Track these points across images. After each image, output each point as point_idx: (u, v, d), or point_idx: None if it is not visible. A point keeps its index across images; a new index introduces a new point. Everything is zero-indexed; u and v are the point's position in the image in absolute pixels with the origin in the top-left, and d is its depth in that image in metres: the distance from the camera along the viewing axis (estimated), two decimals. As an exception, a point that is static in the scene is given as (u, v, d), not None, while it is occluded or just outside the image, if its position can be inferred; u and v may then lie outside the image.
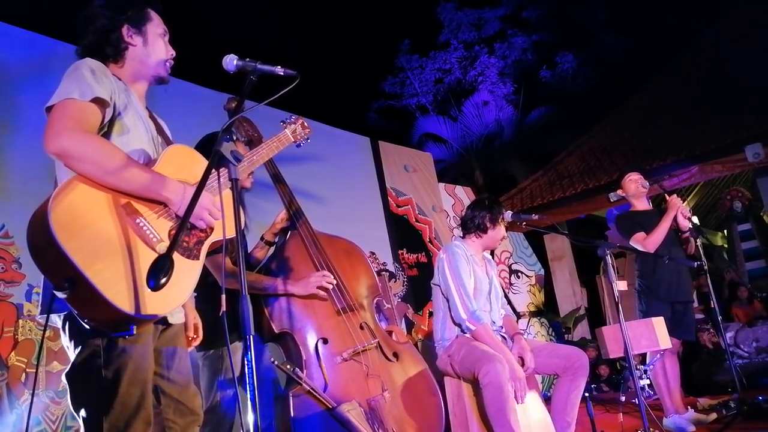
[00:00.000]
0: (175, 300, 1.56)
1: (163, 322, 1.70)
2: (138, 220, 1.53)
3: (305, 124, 2.29)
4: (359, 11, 15.44)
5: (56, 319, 1.62)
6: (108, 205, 1.49)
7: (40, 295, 1.59)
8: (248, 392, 1.40)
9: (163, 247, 1.54)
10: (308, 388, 2.43)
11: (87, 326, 1.49)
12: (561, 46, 15.64)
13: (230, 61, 1.75)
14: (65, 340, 1.59)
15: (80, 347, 1.54)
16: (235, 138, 2.88)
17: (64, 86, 1.61)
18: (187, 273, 1.59)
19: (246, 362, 1.44)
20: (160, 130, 1.88)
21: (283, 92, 1.74)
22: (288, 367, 2.44)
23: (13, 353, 2.93)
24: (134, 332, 1.49)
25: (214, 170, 1.60)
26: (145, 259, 1.46)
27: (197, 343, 2.02)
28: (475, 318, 3.08)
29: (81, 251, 1.37)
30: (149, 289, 1.34)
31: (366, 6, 15.51)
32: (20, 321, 3.01)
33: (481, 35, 16.03)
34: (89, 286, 1.36)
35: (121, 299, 1.39)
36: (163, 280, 1.32)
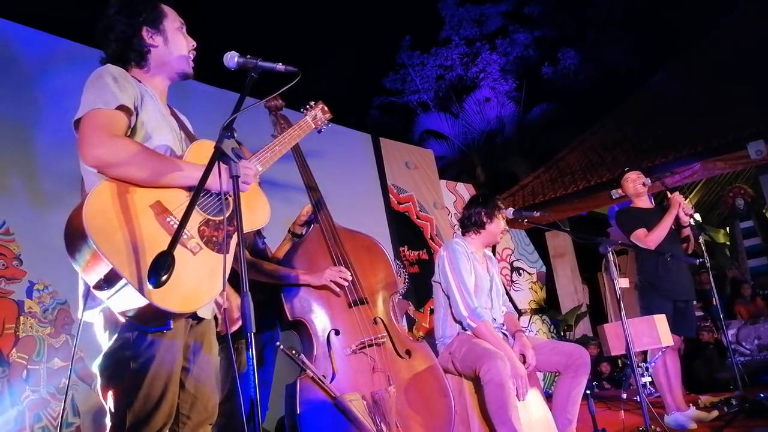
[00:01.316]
0: (210, 293, 1.59)
1: (194, 317, 1.72)
2: (168, 219, 1.56)
3: (326, 108, 2.27)
4: (360, 7, 15.41)
5: (88, 317, 1.65)
6: (139, 207, 1.53)
7: (80, 296, 1.64)
8: (250, 388, 1.40)
9: (194, 243, 1.58)
10: (311, 375, 2.47)
11: (127, 322, 1.52)
12: (563, 43, 15.60)
13: (231, 58, 1.75)
14: (100, 332, 1.63)
15: (112, 339, 1.58)
16: (272, 134, 2.95)
17: (89, 97, 1.63)
18: (219, 266, 1.61)
19: (247, 359, 1.44)
20: (182, 127, 1.90)
21: (284, 89, 1.75)
22: (294, 352, 2.47)
23: (14, 350, 2.93)
24: (171, 326, 1.55)
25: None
26: (178, 256, 1.51)
27: (238, 325, 2.02)
28: (476, 315, 3.08)
29: (117, 252, 1.42)
30: (151, 287, 1.35)
31: (367, 2, 15.48)
32: (21, 318, 3.01)
33: (483, 31, 15.99)
34: (128, 285, 1.42)
35: (158, 296, 1.43)
36: (164, 278, 1.33)
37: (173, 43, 1.82)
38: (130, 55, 1.78)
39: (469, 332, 3.12)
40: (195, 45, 1.89)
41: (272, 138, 2.94)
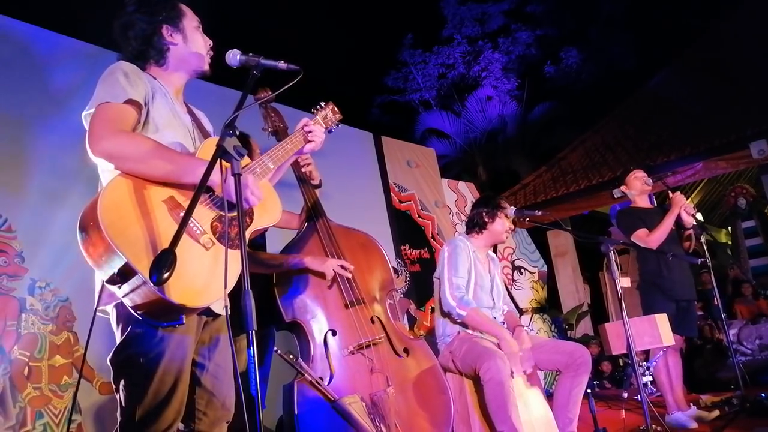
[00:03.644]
0: (221, 289, 1.58)
1: (208, 313, 1.72)
2: (182, 214, 1.56)
3: (335, 109, 2.27)
4: (362, 5, 15.39)
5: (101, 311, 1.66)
6: (153, 202, 1.55)
7: (95, 293, 1.65)
8: (251, 386, 1.40)
9: (206, 239, 1.59)
10: (310, 378, 2.45)
11: (139, 317, 1.53)
12: (565, 42, 15.58)
13: (233, 56, 1.76)
14: (114, 326, 1.65)
15: (124, 334, 1.60)
16: (262, 128, 2.92)
17: (99, 92, 1.66)
18: (231, 263, 1.61)
19: (248, 357, 1.44)
20: (198, 124, 1.91)
21: (286, 87, 1.75)
22: (291, 356, 2.46)
23: (15, 347, 2.94)
24: (183, 322, 1.56)
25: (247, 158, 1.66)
26: (191, 251, 1.54)
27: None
28: (464, 303, 3.08)
29: (131, 246, 1.44)
30: (152, 283, 1.35)
31: (369, 0, 15.46)
32: (23, 315, 3.01)
33: (485, 30, 15.99)
34: (141, 279, 1.43)
35: (171, 291, 1.44)
36: (166, 275, 1.33)
37: (192, 41, 1.85)
38: (150, 52, 1.80)
39: (458, 323, 3.12)
40: (212, 44, 1.91)
41: (262, 131, 2.92)
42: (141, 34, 1.79)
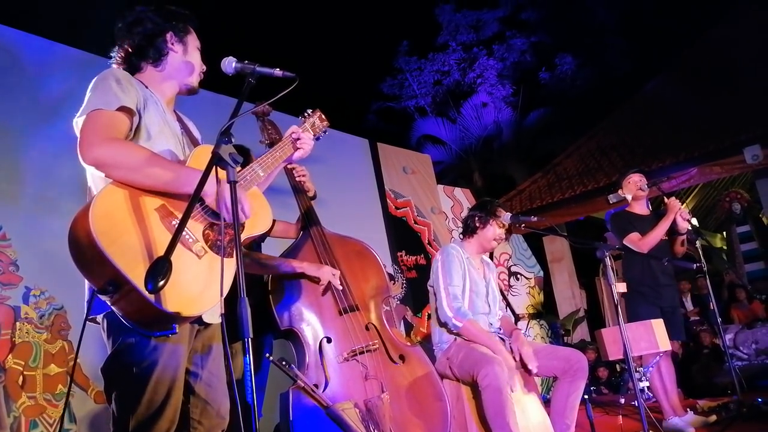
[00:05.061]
0: (215, 297, 1.58)
1: (200, 322, 1.72)
2: (173, 222, 1.56)
3: (323, 116, 2.28)
4: (357, 12, 15.45)
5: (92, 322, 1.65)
6: (144, 210, 1.54)
7: (86, 301, 1.64)
8: (247, 394, 1.39)
9: (199, 247, 1.59)
10: (303, 385, 2.45)
11: (131, 326, 1.52)
12: (560, 48, 15.66)
13: (229, 64, 1.77)
14: (104, 336, 1.64)
15: (116, 344, 1.59)
16: (259, 141, 2.92)
17: (91, 98, 1.66)
18: (225, 271, 1.59)
19: (245, 365, 1.43)
20: (187, 132, 1.93)
21: (281, 94, 1.75)
22: (284, 363, 2.45)
23: (10, 356, 2.92)
24: (176, 331, 1.55)
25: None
26: (183, 260, 1.53)
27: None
28: (460, 314, 3.07)
29: (123, 255, 1.43)
30: (148, 292, 1.35)
31: (364, 7, 15.52)
32: (17, 324, 3.00)
33: (480, 37, 16.07)
34: (133, 289, 1.42)
35: (164, 299, 1.44)
36: (161, 283, 1.33)
37: (190, 57, 1.89)
38: (149, 51, 1.82)
39: (454, 333, 3.12)
40: (205, 69, 1.94)
41: (260, 144, 2.94)
42: (146, 32, 1.82)
